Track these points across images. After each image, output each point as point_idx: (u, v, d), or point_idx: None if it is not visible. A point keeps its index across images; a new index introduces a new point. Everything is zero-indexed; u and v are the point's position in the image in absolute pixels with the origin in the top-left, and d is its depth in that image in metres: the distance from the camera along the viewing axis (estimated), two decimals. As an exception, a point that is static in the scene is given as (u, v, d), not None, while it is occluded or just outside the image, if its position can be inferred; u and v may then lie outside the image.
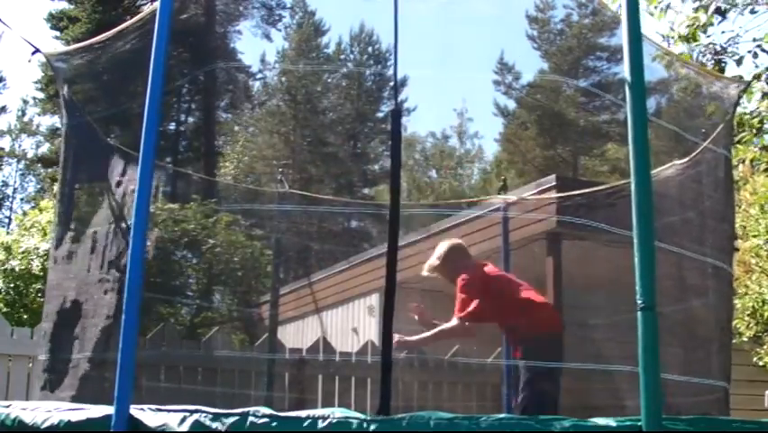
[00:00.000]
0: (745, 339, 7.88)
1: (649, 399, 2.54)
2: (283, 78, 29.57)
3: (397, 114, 3.47)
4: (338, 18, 32.62)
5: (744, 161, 6.59)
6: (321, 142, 28.60)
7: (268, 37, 28.87)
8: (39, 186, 35.20)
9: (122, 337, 3.05)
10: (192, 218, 12.47)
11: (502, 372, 6.50)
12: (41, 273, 8.20)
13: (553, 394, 4.75)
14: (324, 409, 2.78)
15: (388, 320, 3.03)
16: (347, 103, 30.26)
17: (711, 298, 4.56)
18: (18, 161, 39.24)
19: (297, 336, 12.25)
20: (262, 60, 30.61)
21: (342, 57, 31.27)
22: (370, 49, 31.81)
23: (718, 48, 6.32)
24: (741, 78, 5.89)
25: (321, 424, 2.69)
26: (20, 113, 39.15)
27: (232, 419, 2.82)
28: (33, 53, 4.42)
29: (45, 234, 8.99)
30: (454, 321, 4.92)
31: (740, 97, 5.03)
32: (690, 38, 6.20)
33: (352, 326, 11.95)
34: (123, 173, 4.37)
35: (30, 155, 38.65)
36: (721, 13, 6.22)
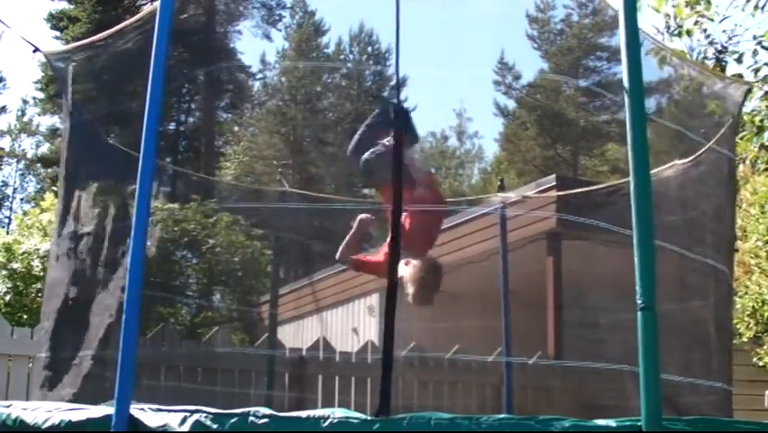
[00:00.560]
0: (745, 340, 7.88)
1: (649, 399, 2.54)
2: (283, 78, 29.59)
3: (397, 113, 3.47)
4: (338, 18, 32.69)
5: (744, 160, 6.59)
6: (321, 142, 28.61)
7: (268, 37, 28.95)
8: (39, 186, 35.18)
9: (122, 337, 3.05)
10: (192, 218, 12.48)
11: (502, 372, 6.51)
12: (42, 274, 8.20)
13: None
14: (325, 410, 2.78)
15: (390, 320, 3.03)
16: (347, 103, 30.27)
17: (710, 299, 4.55)
18: (18, 161, 39.23)
19: (297, 335, 12.25)
20: (262, 60, 30.66)
21: (342, 57, 31.29)
22: (369, 49, 31.82)
23: (719, 47, 6.32)
24: (741, 76, 5.89)
25: (321, 424, 2.69)
26: (20, 113, 39.18)
27: (232, 420, 2.82)
28: (34, 52, 4.42)
29: (46, 235, 9.00)
30: None
31: (745, 99, 5.03)
32: (689, 32, 6.17)
33: (352, 326, 11.96)
34: (124, 173, 4.37)
35: (30, 155, 38.65)
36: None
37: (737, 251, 7.94)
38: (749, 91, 5.25)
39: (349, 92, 30.82)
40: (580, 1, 29.62)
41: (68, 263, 4.58)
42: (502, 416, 2.77)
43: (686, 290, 4.55)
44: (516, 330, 6.45)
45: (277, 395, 6.57)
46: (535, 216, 7.75)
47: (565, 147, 29.83)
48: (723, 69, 6.29)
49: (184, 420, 2.83)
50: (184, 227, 12.13)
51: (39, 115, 36.69)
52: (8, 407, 3.45)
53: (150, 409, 2.99)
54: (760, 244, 7.88)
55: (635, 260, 2.67)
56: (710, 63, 6.32)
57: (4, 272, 8.86)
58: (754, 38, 6.28)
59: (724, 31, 6.41)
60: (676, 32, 6.22)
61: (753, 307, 7.80)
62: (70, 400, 3.84)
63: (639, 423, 2.54)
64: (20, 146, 39.66)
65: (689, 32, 6.19)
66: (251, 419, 2.79)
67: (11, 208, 37.79)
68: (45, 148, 35.19)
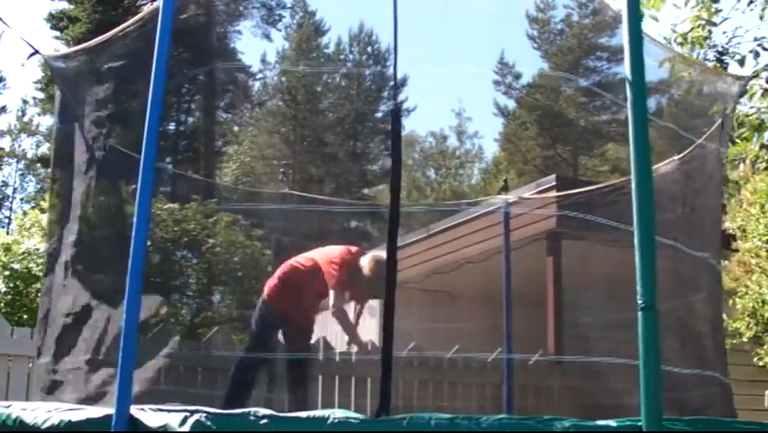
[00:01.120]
0: (745, 340, 7.86)
1: (649, 399, 2.53)
2: (283, 78, 29.60)
3: (396, 113, 3.47)
4: (338, 18, 32.65)
5: (744, 160, 6.57)
6: (321, 142, 28.61)
7: (268, 37, 28.92)
8: (39, 186, 35.19)
9: (122, 337, 3.05)
10: (192, 218, 12.46)
11: (502, 372, 6.51)
12: (42, 274, 8.19)
13: None
14: (324, 410, 2.78)
15: (389, 319, 3.03)
16: (347, 103, 30.27)
17: (703, 292, 4.56)
18: (18, 161, 39.25)
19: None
20: (262, 60, 30.69)
21: (342, 57, 31.30)
22: (369, 49, 31.83)
23: (720, 49, 6.31)
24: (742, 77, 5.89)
25: (321, 424, 2.69)
26: (20, 113, 39.20)
27: (232, 420, 2.82)
28: (32, 55, 4.41)
29: (45, 235, 8.98)
30: None
31: (742, 94, 5.03)
32: (694, 41, 6.17)
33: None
34: (124, 173, 4.37)
35: (30, 155, 38.69)
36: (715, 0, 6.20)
37: (737, 251, 7.93)
38: (746, 84, 5.25)
39: (349, 92, 30.82)
40: (580, 1, 29.62)
41: (69, 267, 4.56)
42: (502, 416, 2.77)
43: (680, 284, 4.56)
44: (516, 330, 6.46)
45: (276, 396, 6.56)
46: (535, 215, 7.74)
47: (565, 147, 29.83)
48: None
49: (184, 420, 2.83)
50: (184, 227, 12.12)
51: (39, 115, 36.77)
52: (8, 407, 3.45)
53: (150, 409, 2.99)
54: (760, 243, 7.86)
55: (636, 259, 2.66)
56: (711, 65, 6.31)
57: (4, 273, 8.86)
58: (755, 39, 6.28)
59: (724, 32, 6.42)
60: (679, 42, 6.22)
61: (753, 307, 7.79)
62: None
63: (639, 423, 2.54)
64: (20, 146, 39.72)
65: (700, 44, 6.18)
66: (251, 419, 2.79)
67: (11, 208, 37.82)
68: (45, 148, 35.20)
